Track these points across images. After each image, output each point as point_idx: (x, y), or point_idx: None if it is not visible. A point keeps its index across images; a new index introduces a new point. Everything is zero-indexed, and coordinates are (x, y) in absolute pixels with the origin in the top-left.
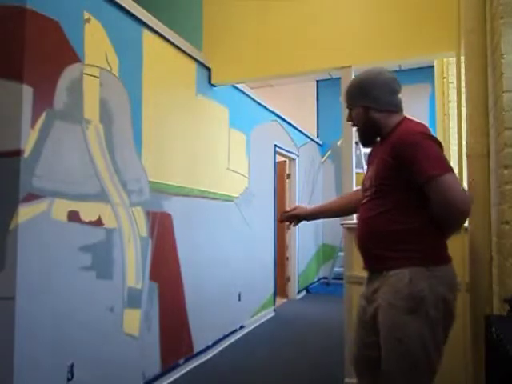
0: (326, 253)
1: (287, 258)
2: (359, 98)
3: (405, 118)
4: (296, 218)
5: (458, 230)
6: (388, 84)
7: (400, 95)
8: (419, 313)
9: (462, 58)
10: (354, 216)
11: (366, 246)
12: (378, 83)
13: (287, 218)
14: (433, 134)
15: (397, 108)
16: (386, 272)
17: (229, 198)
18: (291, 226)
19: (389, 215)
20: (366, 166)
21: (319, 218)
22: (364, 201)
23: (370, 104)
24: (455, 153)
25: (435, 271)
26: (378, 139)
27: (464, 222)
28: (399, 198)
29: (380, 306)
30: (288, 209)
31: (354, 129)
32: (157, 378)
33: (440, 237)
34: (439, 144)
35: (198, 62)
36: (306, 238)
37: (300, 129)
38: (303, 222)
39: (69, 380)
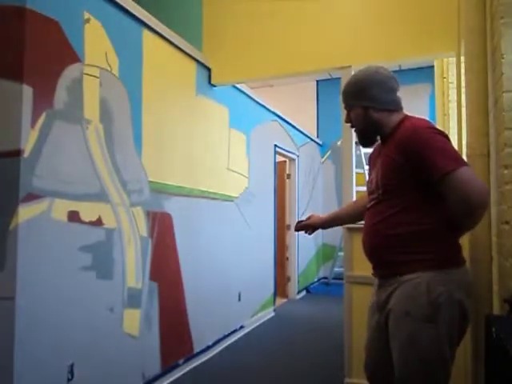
0: (326, 253)
1: (287, 258)
2: (357, 99)
3: (406, 115)
4: (311, 227)
5: (475, 226)
6: (386, 82)
7: (398, 93)
8: (436, 320)
9: (462, 58)
10: None
11: (376, 253)
12: (375, 82)
13: (302, 228)
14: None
15: (396, 106)
16: (399, 277)
17: (229, 198)
18: (307, 234)
19: (399, 217)
20: (367, 167)
21: (335, 225)
22: (370, 204)
23: (369, 104)
24: None
25: (452, 274)
26: (379, 139)
27: (483, 216)
28: (409, 199)
29: (392, 311)
30: (303, 218)
31: (354, 129)
32: (157, 378)
33: (454, 237)
34: (447, 137)
35: (198, 62)
36: (305, 238)
37: (300, 129)
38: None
39: (69, 380)
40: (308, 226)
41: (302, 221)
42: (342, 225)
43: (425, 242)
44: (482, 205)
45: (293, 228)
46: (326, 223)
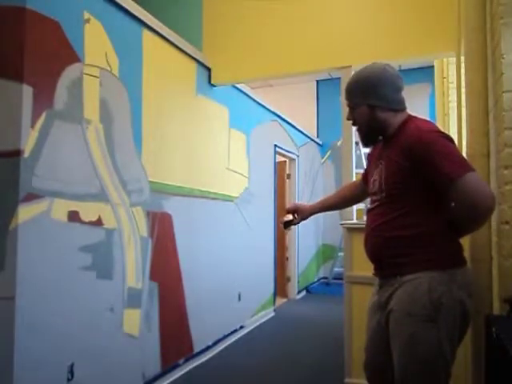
0: (326, 253)
1: (287, 258)
2: (364, 97)
3: (409, 115)
4: (299, 220)
5: (478, 229)
6: (393, 81)
7: (403, 92)
8: (437, 320)
9: (462, 58)
10: (354, 215)
11: (378, 253)
12: (383, 80)
13: (291, 225)
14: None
15: (402, 106)
16: (400, 277)
17: (229, 198)
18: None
19: (402, 220)
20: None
21: (326, 211)
22: (372, 206)
23: (376, 103)
24: None
25: (454, 274)
26: (380, 138)
27: (487, 220)
28: (414, 201)
29: (393, 311)
30: (289, 217)
31: (355, 128)
32: (157, 377)
33: (455, 238)
34: (452, 141)
35: (198, 61)
36: (306, 238)
37: (300, 129)
38: (302, 222)
39: (69, 380)
40: (295, 223)
41: (289, 221)
42: (332, 210)
43: (426, 243)
44: (487, 211)
45: (289, 227)
46: (317, 211)
